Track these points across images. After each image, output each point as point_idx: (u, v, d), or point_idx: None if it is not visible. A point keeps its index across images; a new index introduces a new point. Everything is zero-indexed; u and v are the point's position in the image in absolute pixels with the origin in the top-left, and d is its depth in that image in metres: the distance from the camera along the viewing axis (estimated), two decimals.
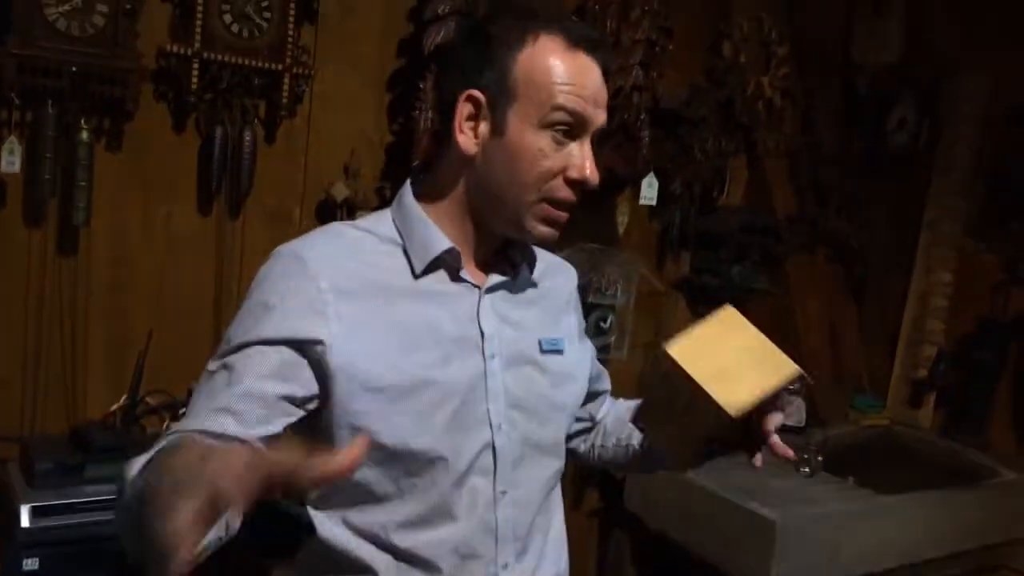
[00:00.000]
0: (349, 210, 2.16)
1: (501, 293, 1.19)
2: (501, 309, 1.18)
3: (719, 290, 2.75)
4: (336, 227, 1.17)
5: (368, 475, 1.09)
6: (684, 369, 1.06)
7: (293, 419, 1.05)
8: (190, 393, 1.92)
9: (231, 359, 1.04)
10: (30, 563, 1.51)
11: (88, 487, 1.63)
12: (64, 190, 1.79)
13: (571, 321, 1.31)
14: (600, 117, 1.12)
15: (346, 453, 0.77)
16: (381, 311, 1.09)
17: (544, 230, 1.13)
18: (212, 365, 1.06)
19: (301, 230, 2.11)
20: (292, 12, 1.97)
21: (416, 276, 1.13)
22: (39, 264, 1.82)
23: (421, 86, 2.12)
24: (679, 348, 1.09)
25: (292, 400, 1.04)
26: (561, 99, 1.08)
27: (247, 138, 1.97)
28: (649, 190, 2.62)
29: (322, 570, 1.15)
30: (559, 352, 1.23)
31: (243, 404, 1.01)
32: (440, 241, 1.13)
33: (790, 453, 1.14)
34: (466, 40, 1.17)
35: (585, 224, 2.52)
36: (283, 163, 2.09)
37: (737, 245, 2.74)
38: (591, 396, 1.37)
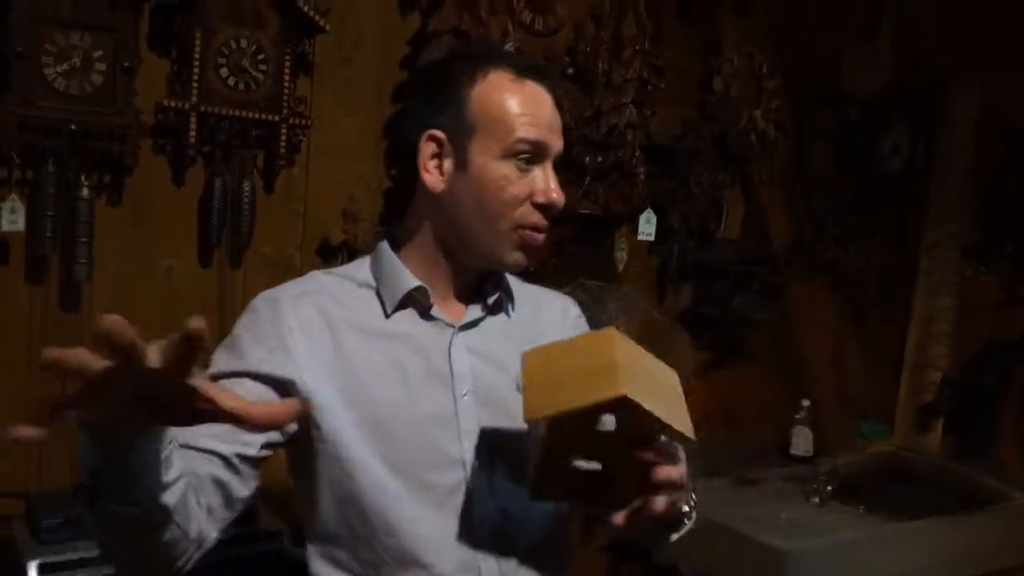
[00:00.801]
0: (349, 254, 2.17)
1: (478, 330, 1.21)
2: (477, 346, 1.20)
3: (720, 321, 2.76)
4: (314, 274, 1.22)
5: (348, 511, 1.12)
6: (520, 376, 1.01)
7: (271, 443, 1.10)
8: None
9: None
10: None
11: (94, 541, 1.62)
12: (65, 246, 1.81)
13: None
14: (557, 143, 1.16)
15: (283, 407, 0.80)
16: (350, 351, 1.13)
17: (518, 256, 1.16)
18: None
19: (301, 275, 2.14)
20: (287, 64, 2.00)
21: (387, 315, 1.16)
22: (41, 320, 1.83)
23: None
24: (530, 352, 1.04)
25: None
26: (520, 130, 1.12)
27: (246, 188, 1.99)
28: (647, 225, 2.64)
29: None
30: None
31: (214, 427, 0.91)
32: (407, 280, 1.16)
33: (659, 509, 0.99)
34: (419, 84, 1.21)
35: (585, 261, 2.54)
36: (282, 211, 2.11)
37: (736, 276, 2.75)
38: None
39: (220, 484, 1.06)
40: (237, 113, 1.94)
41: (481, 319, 1.22)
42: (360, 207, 2.18)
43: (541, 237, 1.15)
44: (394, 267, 1.18)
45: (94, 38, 1.76)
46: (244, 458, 1.07)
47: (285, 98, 2.01)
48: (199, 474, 1.02)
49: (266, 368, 1.09)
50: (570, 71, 2.37)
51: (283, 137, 2.02)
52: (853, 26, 3.05)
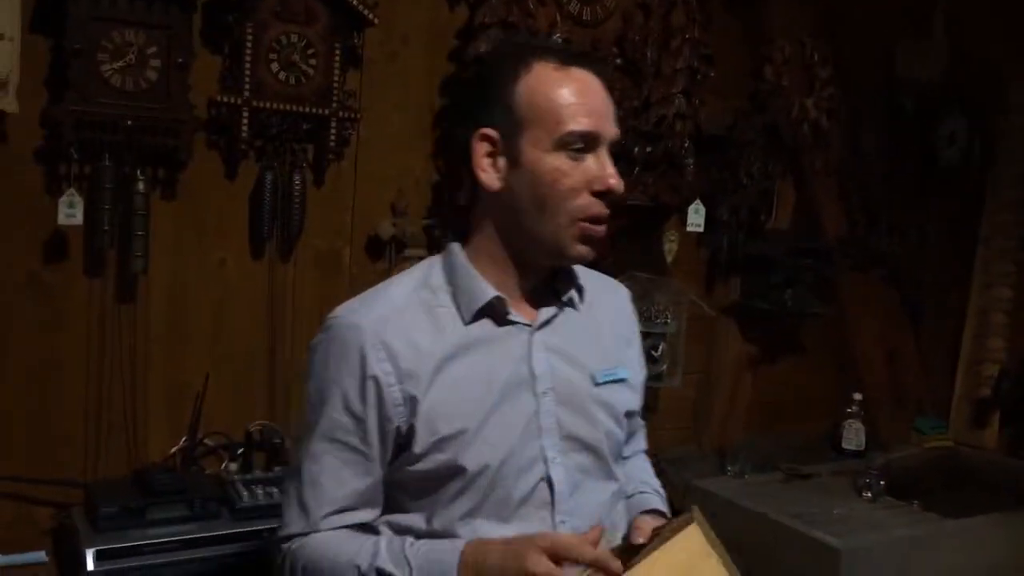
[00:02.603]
0: (397, 247, 2.18)
1: (553, 327, 1.22)
2: (555, 344, 1.21)
3: (772, 314, 2.73)
4: (388, 290, 1.21)
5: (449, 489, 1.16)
6: None
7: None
8: (247, 434, 1.97)
9: (313, 449, 1.16)
10: None
11: (151, 529, 1.66)
12: (122, 239, 1.84)
13: (632, 348, 1.33)
14: (610, 129, 1.15)
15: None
16: (440, 365, 1.14)
17: (582, 249, 1.16)
18: (303, 452, 1.18)
19: (351, 270, 2.16)
20: (337, 59, 2.01)
21: (465, 323, 1.17)
22: (99, 312, 1.87)
23: None
24: None
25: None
26: (569, 122, 1.11)
27: (296, 182, 2.01)
28: (696, 216, 2.61)
29: None
30: (618, 381, 1.25)
31: (354, 500, 1.16)
32: (485, 291, 1.17)
33: None
34: (468, 82, 1.20)
35: (633, 253, 2.52)
36: (332, 205, 2.13)
37: (787, 268, 2.71)
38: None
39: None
40: (288, 107, 1.96)
41: (554, 316, 1.23)
42: (408, 201, 2.19)
43: (602, 227, 1.15)
44: (469, 276, 1.18)
45: (148, 35, 1.79)
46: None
47: (335, 92, 2.02)
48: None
49: (367, 406, 1.14)
50: (619, 61, 2.35)
51: (333, 131, 2.04)
52: (906, 14, 2.98)
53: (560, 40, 2.18)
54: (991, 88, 3.09)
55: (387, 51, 2.16)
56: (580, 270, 1.28)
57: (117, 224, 1.82)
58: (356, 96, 2.09)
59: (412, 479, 1.16)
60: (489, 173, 1.15)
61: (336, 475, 1.15)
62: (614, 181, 1.13)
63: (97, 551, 1.59)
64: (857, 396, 2.81)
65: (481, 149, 1.15)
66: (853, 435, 2.81)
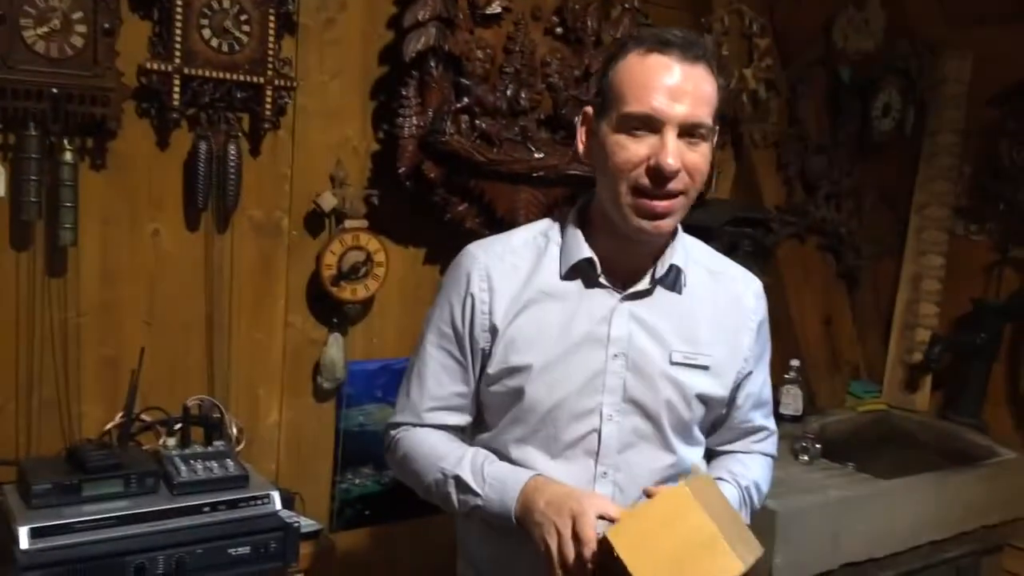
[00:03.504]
0: (337, 219, 2.16)
1: (646, 301, 1.30)
2: (640, 315, 1.29)
3: None
4: (517, 231, 1.40)
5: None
6: (624, 562, 1.08)
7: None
8: (185, 409, 1.94)
9: (424, 350, 1.37)
10: None
11: (86, 506, 1.63)
12: (50, 211, 1.79)
13: (737, 340, 1.36)
14: (678, 109, 1.19)
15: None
16: (526, 305, 1.29)
17: (640, 222, 1.22)
18: (418, 350, 1.39)
19: (290, 241, 2.13)
20: (272, 25, 1.97)
21: (561, 277, 1.30)
22: (28, 286, 1.82)
23: (404, 93, 2.12)
24: (622, 537, 1.10)
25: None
26: (628, 104, 1.20)
27: (232, 152, 1.97)
28: None
29: None
30: (696, 367, 1.31)
31: (450, 401, 1.36)
32: (580, 250, 1.30)
33: None
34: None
35: None
36: (269, 175, 2.10)
37: (728, 237, 2.74)
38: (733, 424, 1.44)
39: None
40: (221, 75, 1.92)
41: (649, 291, 1.30)
42: (347, 172, 2.16)
43: (656, 203, 1.21)
44: (573, 234, 1.32)
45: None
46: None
47: (270, 60, 1.98)
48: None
49: (464, 323, 1.33)
50: (559, 30, 2.34)
51: (268, 99, 2.00)
52: None
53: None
54: (925, 59, 3.15)
55: (324, 18, 2.12)
56: (707, 255, 1.39)
57: (44, 196, 1.77)
58: (292, 64, 2.05)
59: (487, 398, 1.35)
60: (580, 145, 1.30)
61: (438, 377, 1.35)
62: (663, 160, 1.18)
63: (31, 529, 1.55)
64: (795, 362, 2.87)
65: (582, 124, 1.30)
66: (791, 400, 2.87)
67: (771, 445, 1.51)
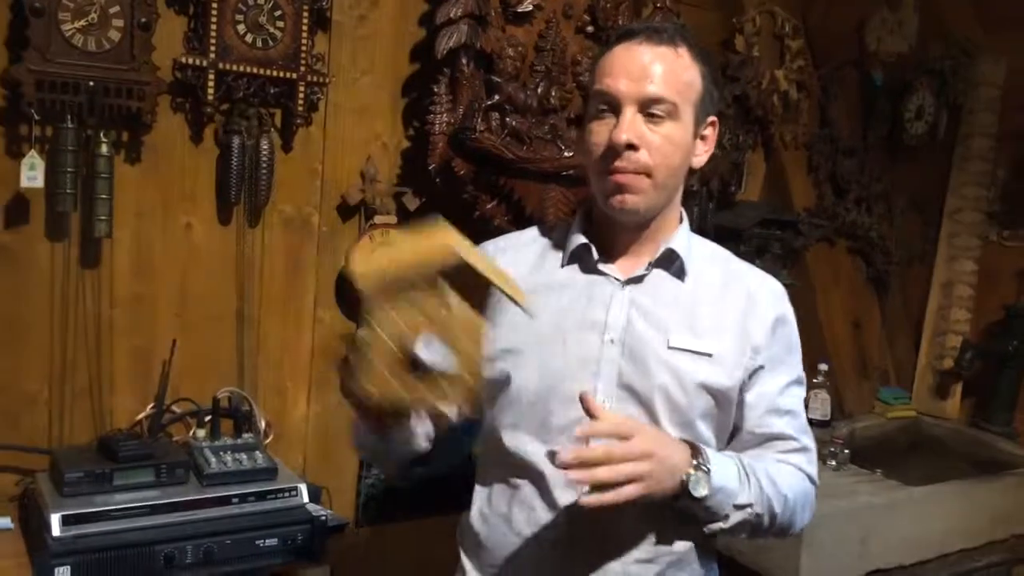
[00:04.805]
0: (366, 214, 2.17)
1: (645, 287, 1.31)
2: (640, 301, 1.30)
3: None
4: (530, 228, 1.44)
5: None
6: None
7: None
8: (215, 401, 1.95)
9: None
10: (61, 571, 1.52)
11: (117, 495, 1.64)
12: (85, 203, 1.81)
13: (746, 337, 1.31)
14: (636, 87, 1.23)
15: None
16: (532, 289, 1.24)
17: (612, 200, 1.26)
18: None
19: (320, 236, 2.14)
20: (306, 21, 1.98)
21: (566, 266, 1.33)
22: (63, 277, 1.84)
23: (436, 90, 2.12)
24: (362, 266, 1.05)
25: None
26: (595, 86, 1.27)
27: (264, 147, 1.98)
28: None
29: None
30: (698, 353, 1.28)
31: None
32: (576, 237, 1.33)
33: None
34: None
35: None
36: (300, 170, 2.11)
37: (756, 239, 2.72)
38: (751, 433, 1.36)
39: None
40: (255, 71, 1.93)
41: (646, 275, 1.31)
42: (377, 168, 2.17)
43: (614, 177, 1.25)
44: (575, 225, 1.35)
45: None
46: None
47: (303, 55, 1.99)
48: None
49: None
50: (590, 29, 2.33)
51: (301, 95, 2.01)
52: None
53: (531, 6, 2.18)
54: (960, 62, 3.12)
55: (356, 14, 2.13)
56: (728, 255, 1.40)
57: (80, 187, 1.79)
58: (324, 60, 2.06)
59: (488, 382, 1.32)
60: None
61: None
62: (617, 134, 1.22)
63: (63, 516, 1.57)
64: (823, 366, 2.85)
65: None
66: (819, 405, 2.85)
67: (804, 460, 1.37)
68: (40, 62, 1.70)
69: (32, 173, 1.74)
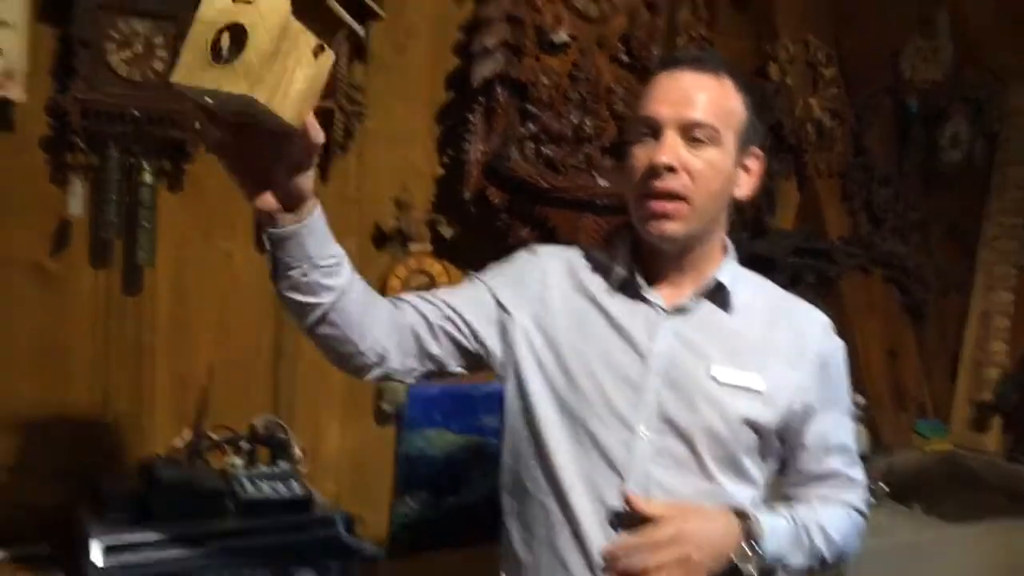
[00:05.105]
0: (402, 242, 2.18)
1: (690, 317, 1.30)
2: (683, 332, 1.28)
3: None
4: (581, 244, 1.46)
5: (517, 435, 1.34)
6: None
7: (453, 328, 1.32)
8: (252, 428, 1.95)
9: None
10: None
11: (156, 523, 1.65)
12: (128, 231, 1.83)
13: (795, 371, 1.30)
14: (676, 110, 1.24)
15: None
16: (571, 309, 1.32)
17: (650, 225, 1.26)
18: None
19: (355, 264, 2.14)
20: (345, 52, 2.00)
21: (611, 290, 1.32)
22: (105, 304, 1.86)
23: (471, 118, 2.14)
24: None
25: (460, 316, 1.32)
26: (638, 112, 1.29)
27: None
28: None
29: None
30: (745, 389, 1.26)
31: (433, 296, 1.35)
32: (622, 262, 1.33)
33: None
34: None
35: None
36: (336, 199, 2.12)
37: (790, 268, 2.70)
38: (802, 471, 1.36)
39: (417, 336, 1.30)
40: None
41: (693, 306, 1.30)
42: (412, 195, 2.18)
43: (653, 203, 1.24)
44: (619, 248, 1.35)
45: (156, 25, 1.78)
46: (445, 332, 1.31)
47: (341, 85, 2.02)
48: (402, 320, 1.29)
49: (497, 287, 1.36)
50: (624, 58, 2.34)
51: (338, 124, 2.03)
52: (911, 15, 2.99)
53: (567, 36, 2.20)
54: (995, 90, 3.10)
55: (393, 44, 2.15)
56: (774, 288, 1.39)
57: (123, 215, 1.81)
58: (361, 89, 2.08)
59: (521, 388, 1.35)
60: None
61: (453, 288, 1.43)
62: (657, 157, 1.22)
63: (102, 544, 1.57)
64: (859, 399, 2.81)
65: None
66: (856, 438, 2.80)
67: (855, 496, 1.39)
68: (87, 91, 1.73)
69: (77, 201, 1.76)
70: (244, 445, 1.93)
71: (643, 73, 2.37)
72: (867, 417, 2.84)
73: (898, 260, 3.09)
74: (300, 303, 1.18)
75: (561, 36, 2.23)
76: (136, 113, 1.77)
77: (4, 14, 1.66)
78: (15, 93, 1.68)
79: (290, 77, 0.98)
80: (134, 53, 1.78)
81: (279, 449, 1.96)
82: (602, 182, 2.26)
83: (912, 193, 3.10)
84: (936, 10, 2.99)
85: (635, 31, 2.34)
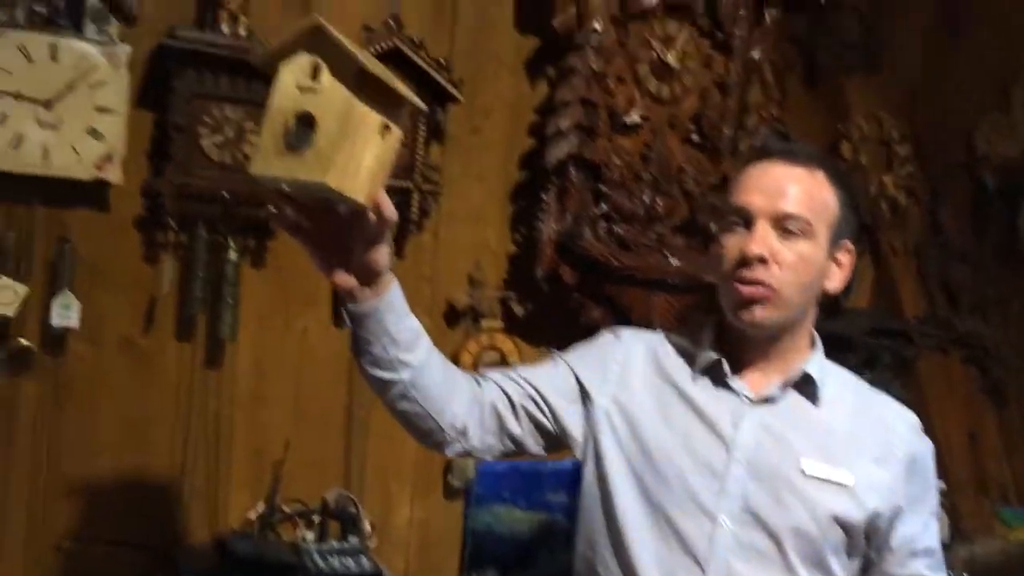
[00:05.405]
0: (474, 319, 2.21)
1: (776, 408, 1.28)
2: (770, 423, 1.27)
3: None
4: (658, 332, 1.42)
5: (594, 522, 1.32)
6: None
7: (534, 408, 1.32)
8: (324, 502, 1.97)
9: None
10: None
11: None
12: (212, 306, 1.89)
13: (881, 470, 1.28)
14: (768, 201, 1.25)
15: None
16: (654, 395, 1.31)
17: (734, 312, 1.26)
18: None
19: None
20: (422, 133, 2.07)
21: (694, 376, 1.31)
22: (188, 377, 1.92)
23: (544, 198, 2.17)
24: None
25: (541, 397, 1.32)
26: (730, 201, 1.29)
27: None
28: None
29: None
30: (835, 484, 1.24)
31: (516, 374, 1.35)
32: (707, 350, 1.31)
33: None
34: None
35: None
36: (410, 275, 2.16)
37: (866, 348, 2.65)
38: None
39: (498, 414, 1.30)
40: None
41: (779, 396, 1.29)
42: (485, 273, 2.22)
43: (741, 288, 1.24)
44: (703, 334, 1.34)
45: (247, 111, 1.86)
46: (527, 411, 1.32)
47: (418, 165, 2.07)
48: (484, 398, 1.30)
49: (579, 368, 1.35)
50: (695, 138, 2.37)
51: (415, 203, 2.08)
52: (986, 90, 2.96)
53: (639, 117, 2.23)
54: None
55: (470, 125, 2.21)
56: (861, 382, 1.38)
57: (208, 291, 1.87)
58: (438, 169, 2.14)
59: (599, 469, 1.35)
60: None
61: (535, 367, 1.42)
62: (747, 248, 1.23)
63: None
64: (940, 484, 2.71)
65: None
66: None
67: None
68: (180, 175, 1.82)
69: (166, 278, 1.84)
70: (315, 519, 1.95)
71: (714, 153, 2.39)
72: (947, 503, 2.74)
73: (977, 340, 3.00)
74: (381, 379, 1.19)
75: (633, 117, 2.27)
76: (225, 194, 1.85)
77: (108, 101, 1.76)
78: (113, 176, 1.77)
79: (359, 158, 1.02)
80: (225, 138, 1.86)
81: (349, 524, 1.98)
82: (673, 261, 2.27)
83: (990, 271, 3.02)
84: (1012, 85, 2.95)
85: (706, 111, 2.37)
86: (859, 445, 1.27)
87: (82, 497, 1.84)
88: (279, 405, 2.02)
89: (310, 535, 1.92)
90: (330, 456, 2.08)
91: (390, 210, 1.08)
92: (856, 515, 1.24)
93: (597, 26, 2.15)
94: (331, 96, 1.00)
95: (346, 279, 1.12)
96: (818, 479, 1.23)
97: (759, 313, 1.24)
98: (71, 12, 1.71)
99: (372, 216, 1.06)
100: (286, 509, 1.98)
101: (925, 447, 1.34)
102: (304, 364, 2.04)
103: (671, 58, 2.27)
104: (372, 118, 1.03)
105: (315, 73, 1.00)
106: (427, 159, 2.10)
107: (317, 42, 1.01)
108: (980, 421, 3.07)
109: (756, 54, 2.39)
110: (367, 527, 2.05)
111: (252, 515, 1.94)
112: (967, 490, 2.98)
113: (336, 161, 0.98)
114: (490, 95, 2.22)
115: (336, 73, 1.00)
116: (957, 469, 2.96)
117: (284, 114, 1.01)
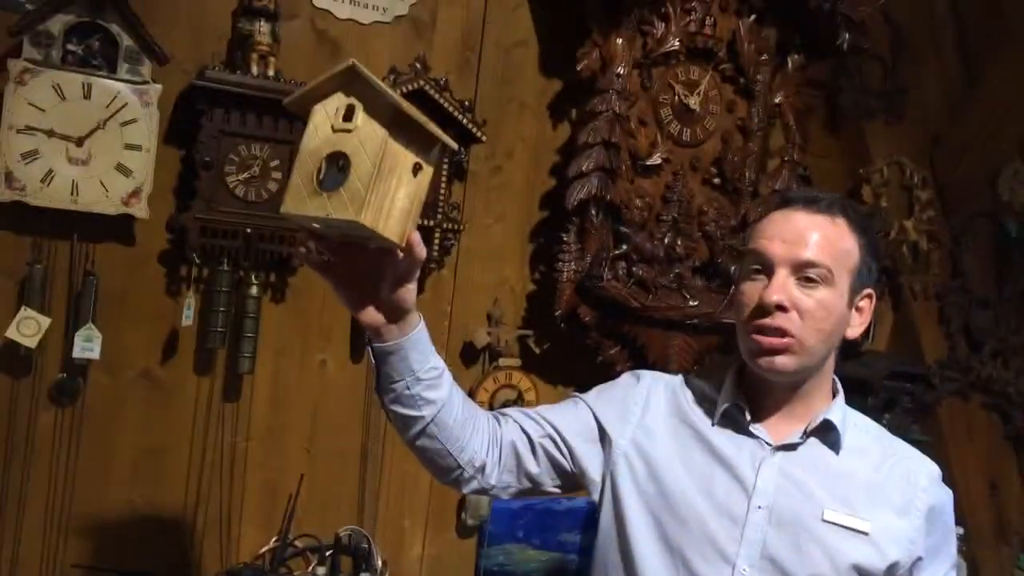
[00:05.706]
0: (491, 356, 2.21)
1: (797, 455, 1.28)
2: (791, 470, 1.26)
3: None
4: (685, 374, 1.43)
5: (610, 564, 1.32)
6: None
7: (553, 448, 1.33)
8: (337, 537, 1.98)
9: None
10: None
11: None
12: (232, 340, 1.91)
13: (902, 520, 1.27)
14: (789, 249, 1.25)
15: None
16: (674, 439, 1.31)
17: (755, 360, 1.26)
18: None
19: None
20: (444, 173, 2.09)
21: (714, 422, 1.31)
22: (205, 410, 1.93)
23: (565, 238, 2.18)
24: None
25: (560, 437, 1.33)
26: (750, 247, 1.30)
27: None
28: None
29: None
30: (855, 532, 1.24)
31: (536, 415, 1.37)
32: (727, 397, 1.31)
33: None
34: None
35: None
36: (430, 312, 2.14)
37: (885, 392, 2.63)
38: None
39: (516, 453, 1.32)
40: None
41: (800, 443, 1.29)
42: (503, 311, 2.22)
43: (761, 338, 1.24)
44: (729, 382, 1.33)
45: (273, 149, 1.89)
46: (545, 451, 1.33)
47: (440, 204, 2.09)
48: (504, 436, 1.31)
49: (599, 409, 1.36)
50: (716, 181, 2.37)
51: (436, 241, 2.10)
52: (1008, 138, 2.95)
53: (661, 159, 2.24)
54: None
55: (492, 165, 2.23)
56: (882, 431, 1.37)
57: (229, 325, 1.89)
58: (460, 208, 2.16)
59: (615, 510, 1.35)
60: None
61: (555, 407, 1.43)
62: (767, 296, 1.23)
63: None
64: (958, 530, 2.67)
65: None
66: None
67: None
68: (205, 211, 1.84)
69: (188, 312, 1.86)
70: (327, 554, 1.95)
71: (735, 196, 2.39)
72: (967, 552, 2.70)
73: (999, 386, 2.98)
74: (403, 416, 1.20)
75: (655, 159, 2.27)
76: (248, 231, 1.87)
77: (137, 138, 1.79)
78: (140, 211, 1.80)
79: (392, 198, 1.03)
80: (251, 175, 1.88)
81: (362, 560, 1.98)
82: (692, 302, 2.26)
83: (1012, 317, 3.00)
84: None
85: (728, 154, 2.37)
86: (880, 495, 1.27)
87: (97, 526, 1.85)
88: (294, 438, 2.03)
89: (322, 570, 1.92)
90: (344, 491, 2.08)
91: (421, 249, 1.10)
92: (876, 564, 1.23)
93: (621, 70, 2.16)
94: (365, 136, 1.02)
95: (374, 316, 1.14)
96: (838, 527, 1.23)
97: (779, 361, 1.24)
98: (105, 53, 1.75)
99: (402, 254, 1.08)
100: (298, 544, 1.98)
101: (945, 496, 1.33)
102: (320, 399, 2.05)
103: (693, 102, 2.28)
104: (405, 157, 1.05)
105: (349, 114, 1.02)
106: (449, 198, 2.12)
107: (351, 83, 1.03)
108: (1002, 469, 3.05)
109: (778, 98, 2.40)
110: (379, 563, 2.05)
111: (264, 549, 1.95)
112: (987, 539, 2.95)
113: (370, 200, 0.99)
114: (512, 136, 2.25)
115: (370, 113, 1.02)
116: (977, 517, 2.92)
117: (318, 154, 1.03)
